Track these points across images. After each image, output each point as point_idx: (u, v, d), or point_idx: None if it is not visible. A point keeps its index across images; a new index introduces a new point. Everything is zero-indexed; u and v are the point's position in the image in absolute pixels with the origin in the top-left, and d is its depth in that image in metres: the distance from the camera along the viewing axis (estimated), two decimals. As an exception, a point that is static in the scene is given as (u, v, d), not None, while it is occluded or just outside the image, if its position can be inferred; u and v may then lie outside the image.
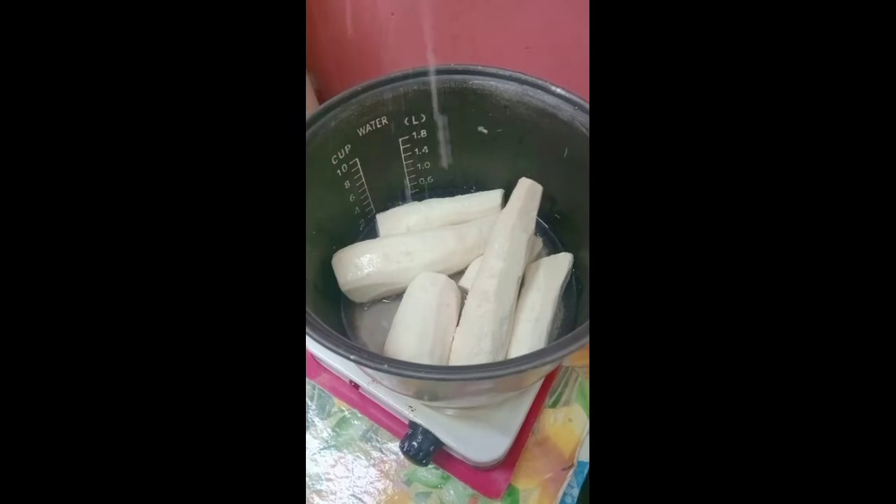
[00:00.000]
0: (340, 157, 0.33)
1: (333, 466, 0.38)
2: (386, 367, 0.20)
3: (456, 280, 0.35)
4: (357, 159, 0.34)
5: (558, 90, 0.30)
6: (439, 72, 0.32)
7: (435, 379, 0.20)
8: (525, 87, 0.31)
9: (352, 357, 0.20)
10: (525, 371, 0.20)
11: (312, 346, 0.37)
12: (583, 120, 0.30)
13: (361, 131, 0.33)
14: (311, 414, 0.40)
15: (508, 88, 0.32)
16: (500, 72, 0.31)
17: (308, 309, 0.23)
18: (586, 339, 0.22)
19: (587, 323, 0.23)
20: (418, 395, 0.32)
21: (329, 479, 0.37)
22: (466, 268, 0.36)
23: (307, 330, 0.21)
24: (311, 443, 0.39)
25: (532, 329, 0.32)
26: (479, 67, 0.32)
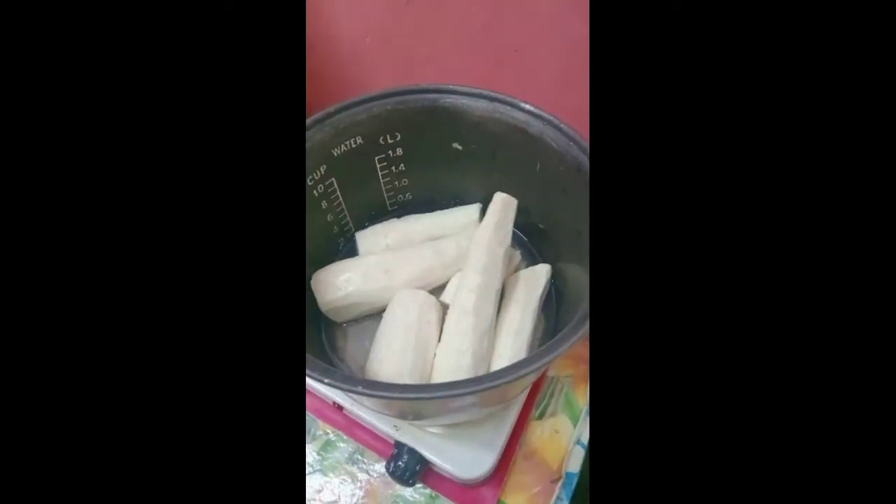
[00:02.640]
0: (316, 177, 0.33)
1: (320, 491, 0.37)
2: (360, 388, 0.20)
3: (437, 295, 0.35)
4: (333, 179, 0.34)
5: (527, 106, 0.31)
6: (410, 91, 0.33)
7: (410, 398, 0.20)
8: (495, 104, 0.32)
9: (326, 381, 0.20)
10: (503, 384, 0.20)
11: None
12: (552, 135, 0.31)
13: (336, 151, 0.33)
14: (296, 438, 0.39)
15: (479, 106, 0.32)
16: (470, 90, 0.32)
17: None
18: (563, 349, 0.22)
19: (562, 333, 0.23)
20: (401, 415, 0.31)
21: (315, 505, 0.37)
22: (447, 283, 0.36)
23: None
24: (296, 468, 0.38)
25: (512, 342, 0.32)
26: (450, 86, 0.32)
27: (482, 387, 0.20)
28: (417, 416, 0.31)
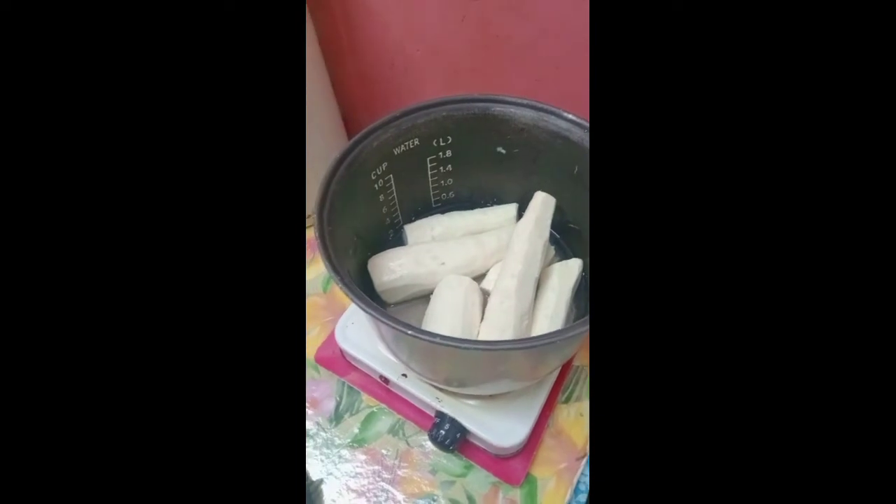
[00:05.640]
0: (378, 173, 0.37)
1: (363, 459, 0.41)
2: (438, 339, 0.24)
3: (478, 282, 0.39)
4: (391, 175, 0.39)
5: (570, 115, 0.35)
6: (465, 100, 0.37)
7: (479, 350, 0.24)
8: (540, 113, 0.36)
9: (409, 332, 0.24)
10: (551, 343, 0.24)
11: (348, 345, 0.40)
12: (590, 141, 0.35)
13: (397, 150, 0.37)
14: (341, 410, 0.43)
15: (525, 114, 0.37)
16: (518, 100, 0.37)
17: (361, 300, 0.27)
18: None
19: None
20: (447, 382, 0.35)
21: (359, 474, 0.40)
22: (487, 272, 0.40)
23: (376, 314, 0.25)
24: (342, 438, 0.42)
25: (548, 325, 0.36)
26: (500, 96, 0.37)
27: (537, 343, 0.24)
28: (461, 383, 0.35)
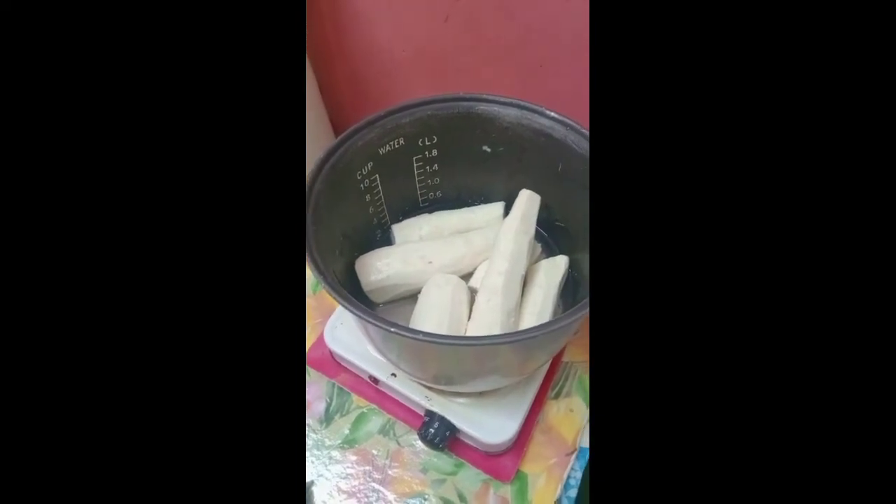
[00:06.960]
0: (364, 172, 0.37)
1: (354, 460, 0.41)
2: (421, 336, 0.24)
3: (465, 281, 0.39)
4: (377, 175, 0.39)
5: (552, 114, 0.35)
6: (449, 99, 0.37)
7: (463, 345, 0.24)
8: (524, 111, 0.36)
9: (392, 329, 0.24)
10: (535, 337, 0.24)
11: (337, 346, 0.40)
12: (574, 139, 0.35)
13: (382, 150, 0.37)
14: (332, 411, 0.43)
15: (509, 113, 0.37)
16: (502, 99, 0.37)
17: (346, 300, 0.27)
18: (584, 312, 0.26)
19: (585, 300, 0.27)
20: (436, 380, 0.35)
21: (350, 475, 0.40)
22: (474, 270, 0.40)
23: (361, 314, 0.25)
24: (332, 439, 0.42)
25: (535, 322, 0.36)
26: (484, 95, 0.37)
27: (524, 337, 0.24)
28: (450, 381, 0.35)
